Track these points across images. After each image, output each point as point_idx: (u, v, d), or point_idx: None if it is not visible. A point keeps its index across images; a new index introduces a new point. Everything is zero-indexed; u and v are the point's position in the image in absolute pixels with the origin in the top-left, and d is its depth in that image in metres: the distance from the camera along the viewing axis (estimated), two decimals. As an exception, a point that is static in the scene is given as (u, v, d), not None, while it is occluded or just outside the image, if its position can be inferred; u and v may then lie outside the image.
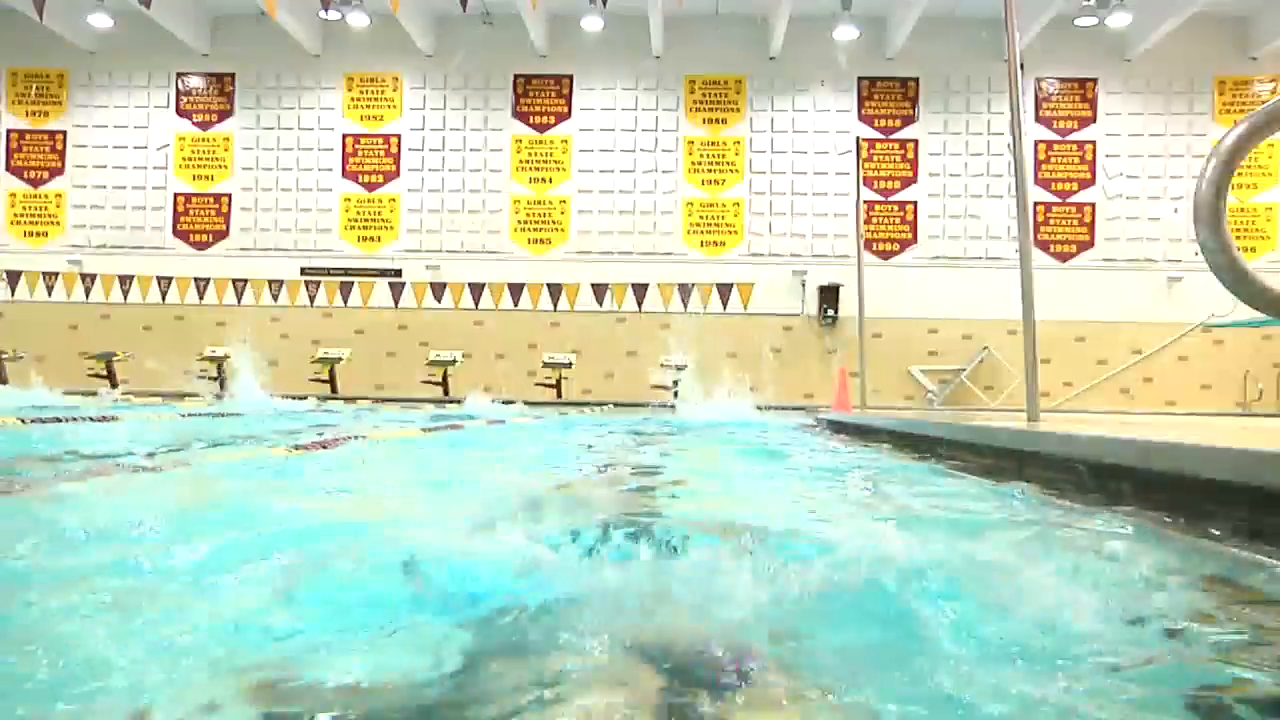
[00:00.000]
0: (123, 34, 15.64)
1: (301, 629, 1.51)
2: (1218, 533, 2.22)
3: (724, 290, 15.63)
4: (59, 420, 6.98)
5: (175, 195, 16.19)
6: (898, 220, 15.81)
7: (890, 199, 15.82)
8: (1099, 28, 15.09)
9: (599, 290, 15.66)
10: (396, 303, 15.94)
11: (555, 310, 15.75)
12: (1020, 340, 5.29)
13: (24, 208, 16.27)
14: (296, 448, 5.26)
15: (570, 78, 16.10)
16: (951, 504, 3.22)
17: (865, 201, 14.29)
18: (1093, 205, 15.66)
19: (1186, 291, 14.90)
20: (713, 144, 16.00)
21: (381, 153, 16.14)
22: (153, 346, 15.48)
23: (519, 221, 16.04)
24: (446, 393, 14.53)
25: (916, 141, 15.88)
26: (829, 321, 15.51)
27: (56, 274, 15.98)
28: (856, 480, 4.38)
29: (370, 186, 16.13)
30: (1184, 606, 1.69)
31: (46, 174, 16.29)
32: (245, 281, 15.82)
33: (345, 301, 15.94)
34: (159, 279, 15.92)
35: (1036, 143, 15.59)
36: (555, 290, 15.73)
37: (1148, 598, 1.72)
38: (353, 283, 15.97)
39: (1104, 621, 1.52)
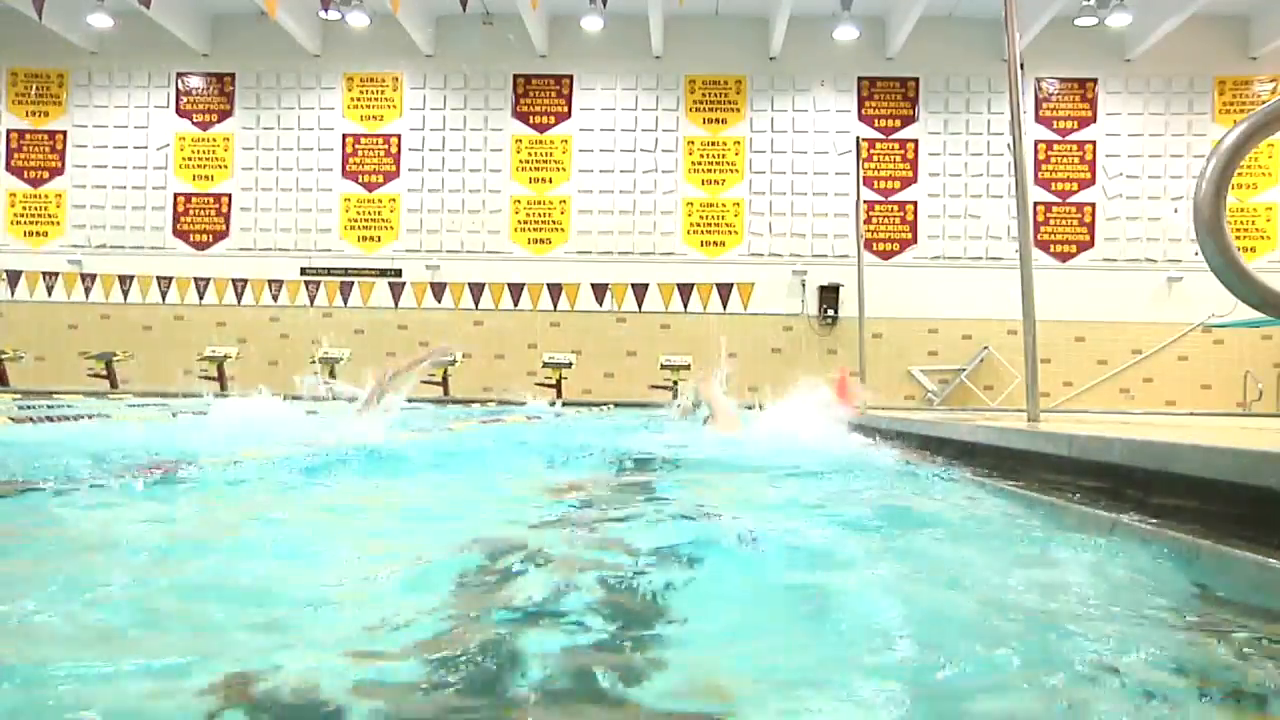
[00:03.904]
0: (123, 34, 15.63)
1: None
2: None
3: (724, 290, 15.63)
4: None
5: (175, 195, 16.19)
6: (898, 220, 15.80)
7: (890, 199, 15.81)
8: (1099, 28, 15.07)
9: (599, 290, 15.66)
10: (396, 303, 15.93)
11: (555, 310, 15.74)
12: (1020, 340, 5.30)
13: (24, 208, 16.27)
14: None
15: (570, 78, 16.09)
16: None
17: (865, 201, 14.27)
18: (1093, 205, 15.65)
19: (1186, 291, 14.91)
20: (713, 144, 15.99)
21: (381, 153, 16.13)
22: (152, 346, 15.52)
23: (519, 221, 16.03)
24: (446, 392, 14.52)
25: (916, 141, 15.87)
26: (829, 321, 15.51)
27: (56, 274, 15.97)
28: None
29: (370, 186, 16.12)
30: None
31: (46, 174, 16.28)
32: (245, 281, 15.82)
33: (345, 301, 15.93)
34: (159, 279, 15.92)
35: (1036, 143, 15.58)
36: (555, 290, 15.72)
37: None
38: (353, 283, 15.96)
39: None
